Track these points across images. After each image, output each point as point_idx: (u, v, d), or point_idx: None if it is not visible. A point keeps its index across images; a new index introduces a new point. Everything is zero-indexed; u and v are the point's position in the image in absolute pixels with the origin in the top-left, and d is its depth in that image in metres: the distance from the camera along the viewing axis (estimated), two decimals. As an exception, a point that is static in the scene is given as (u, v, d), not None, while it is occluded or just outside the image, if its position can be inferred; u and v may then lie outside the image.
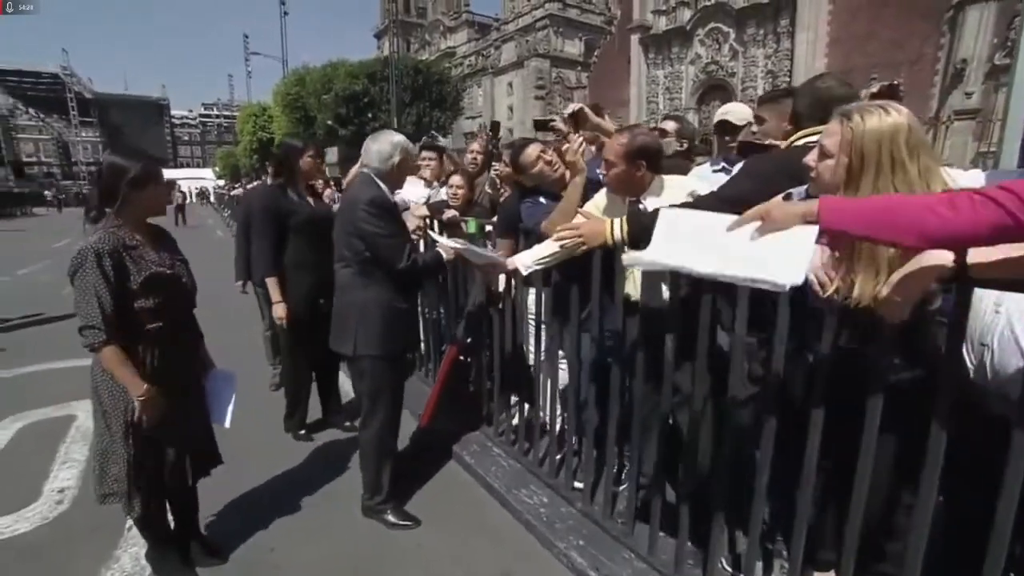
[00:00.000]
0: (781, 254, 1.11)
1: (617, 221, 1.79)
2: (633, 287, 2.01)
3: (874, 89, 2.23)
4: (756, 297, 1.54)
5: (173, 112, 60.81)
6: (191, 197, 32.90)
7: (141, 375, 1.66)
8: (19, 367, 4.38)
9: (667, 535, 1.98)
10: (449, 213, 3.20)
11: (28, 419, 3.39)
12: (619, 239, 1.78)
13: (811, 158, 1.30)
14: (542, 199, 2.47)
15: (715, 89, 26.57)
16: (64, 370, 4.18)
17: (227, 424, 1.97)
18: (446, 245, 2.29)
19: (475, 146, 3.86)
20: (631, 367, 2.02)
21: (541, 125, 2.95)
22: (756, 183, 1.59)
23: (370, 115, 23.07)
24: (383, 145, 2.21)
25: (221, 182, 31.96)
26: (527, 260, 2.17)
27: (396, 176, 2.27)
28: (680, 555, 1.88)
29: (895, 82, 2.24)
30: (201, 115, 79.70)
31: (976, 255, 1.03)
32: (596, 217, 1.91)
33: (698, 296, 1.67)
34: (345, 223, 2.20)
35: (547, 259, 2.14)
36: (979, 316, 1.38)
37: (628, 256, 1.52)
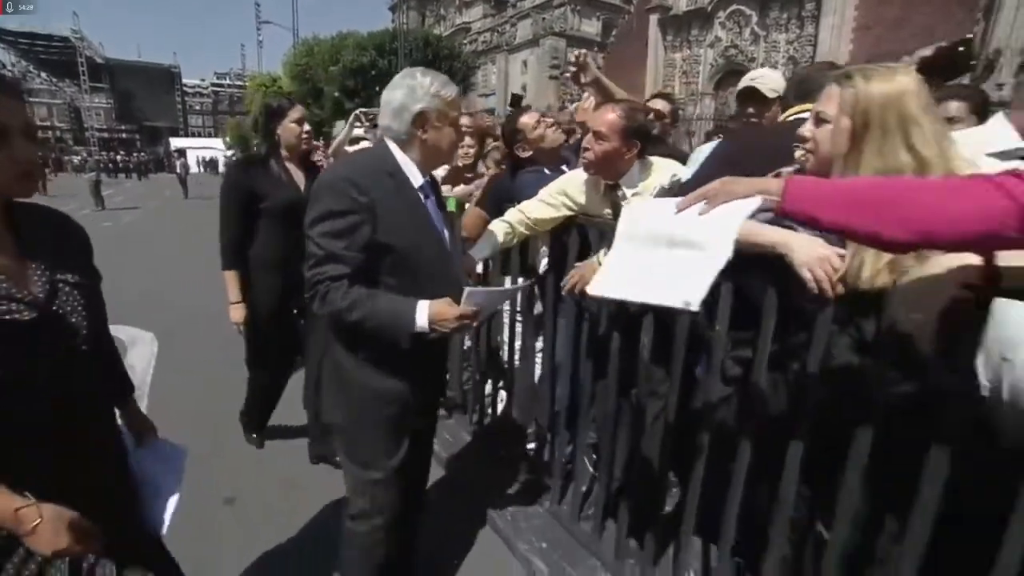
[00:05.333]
0: (709, 235, 0.95)
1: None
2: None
3: (927, 52, 2.01)
4: (744, 291, 1.37)
5: (185, 81, 60.28)
6: (200, 167, 32.73)
7: None
8: None
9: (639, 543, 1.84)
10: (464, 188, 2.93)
11: None
12: None
13: (806, 128, 1.12)
14: (546, 171, 2.30)
15: (733, 75, 25.83)
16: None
17: (164, 531, 1.18)
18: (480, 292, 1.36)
19: (464, 121, 2.94)
20: (602, 358, 1.87)
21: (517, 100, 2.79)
22: (723, 167, 1.39)
23: (377, 88, 22.54)
24: (395, 91, 1.36)
25: (230, 152, 31.73)
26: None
27: (432, 141, 1.38)
28: (646, 570, 1.76)
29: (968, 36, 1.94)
30: (213, 84, 79.19)
31: (1010, 257, 0.84)
32: (589, 264, 1.77)
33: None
34: None
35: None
36: (1004, 325, 1.19)
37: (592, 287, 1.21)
